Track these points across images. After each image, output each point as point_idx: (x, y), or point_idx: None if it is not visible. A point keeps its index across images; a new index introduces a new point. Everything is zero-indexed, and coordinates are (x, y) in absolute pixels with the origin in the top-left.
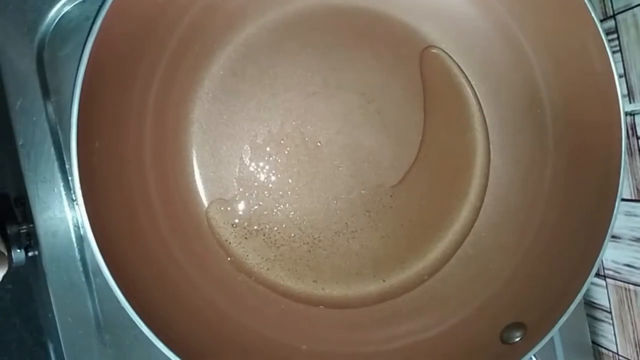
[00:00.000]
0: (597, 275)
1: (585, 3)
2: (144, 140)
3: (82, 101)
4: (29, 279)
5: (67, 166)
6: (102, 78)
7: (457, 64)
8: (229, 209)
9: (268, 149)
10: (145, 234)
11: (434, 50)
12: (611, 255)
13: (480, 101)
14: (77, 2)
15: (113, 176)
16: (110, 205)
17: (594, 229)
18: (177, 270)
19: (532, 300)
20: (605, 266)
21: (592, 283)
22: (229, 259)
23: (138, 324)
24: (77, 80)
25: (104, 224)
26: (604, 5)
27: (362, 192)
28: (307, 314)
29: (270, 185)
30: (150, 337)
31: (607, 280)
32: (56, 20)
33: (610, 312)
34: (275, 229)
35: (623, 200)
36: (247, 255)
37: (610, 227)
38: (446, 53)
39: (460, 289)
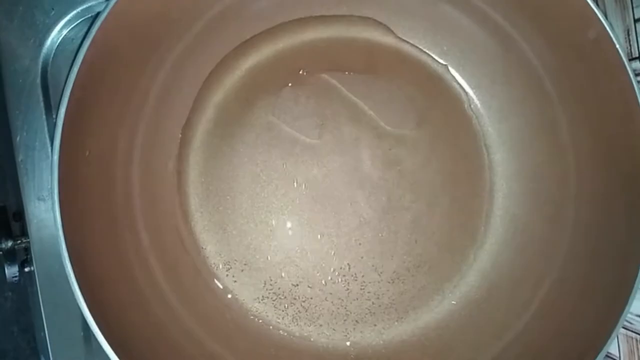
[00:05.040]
0: None
1: (617, 49)
2: (132, 180)
3: (68, 119)
4: (27, 290)
5: None
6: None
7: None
8: (223, 242)
9: (269, 180)
10: (133, 268)
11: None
12: None
13: (502, 143)
14: (83, 18)
15: (98, 201)
16: (93, 228)
17: (616, 288)
18: (164, 306)
19: None
20: None
21: None
22: (219, 291)
23: None
24: (63, 98)
25: (86, 251)
26: (630, 45)
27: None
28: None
29: (271, 220)
30: None
31: None
32: (62, 36)
33: None
34: (271, 265)
35: None
36: (240, 292)
37: (635, 288)
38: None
39: (464, 346)
